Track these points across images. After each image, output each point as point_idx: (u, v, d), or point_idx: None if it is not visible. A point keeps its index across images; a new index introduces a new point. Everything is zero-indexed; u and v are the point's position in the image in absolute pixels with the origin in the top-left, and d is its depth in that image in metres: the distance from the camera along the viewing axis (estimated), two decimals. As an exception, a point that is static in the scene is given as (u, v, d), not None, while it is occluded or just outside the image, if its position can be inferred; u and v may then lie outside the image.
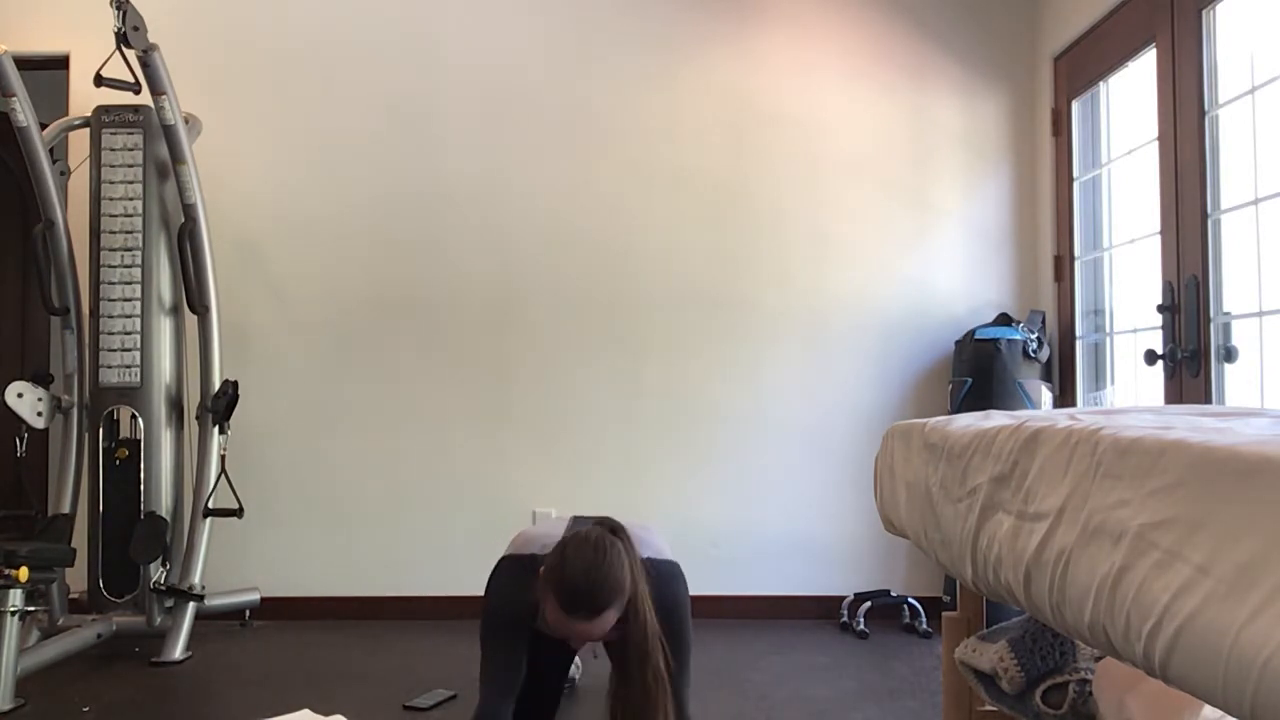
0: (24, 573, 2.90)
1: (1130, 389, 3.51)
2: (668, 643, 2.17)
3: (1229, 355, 2.80)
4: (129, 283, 3.63)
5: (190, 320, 3.74)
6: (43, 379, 3.64)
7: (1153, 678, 1.05)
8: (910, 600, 3.95)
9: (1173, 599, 0.99)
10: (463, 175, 4.13)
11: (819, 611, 4.03)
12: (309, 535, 4.06)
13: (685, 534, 3.91)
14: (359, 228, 4.12)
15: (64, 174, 3.80)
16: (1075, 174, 3.87)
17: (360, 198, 4.12)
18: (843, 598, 4.00)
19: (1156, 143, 3.15)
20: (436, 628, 3.87)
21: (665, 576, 2.23)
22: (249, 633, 3.84)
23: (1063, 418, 1.50)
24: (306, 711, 2.41)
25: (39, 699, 2.98)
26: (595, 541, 2.07)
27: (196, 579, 3.56)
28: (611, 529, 2.15)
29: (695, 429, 4.10)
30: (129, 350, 3.62)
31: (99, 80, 3.56)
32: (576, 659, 2.94)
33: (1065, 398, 3.87)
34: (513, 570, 2.28)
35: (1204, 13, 2.89)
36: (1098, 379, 3.77)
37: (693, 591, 2.34)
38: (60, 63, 4.11)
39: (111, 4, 3.38)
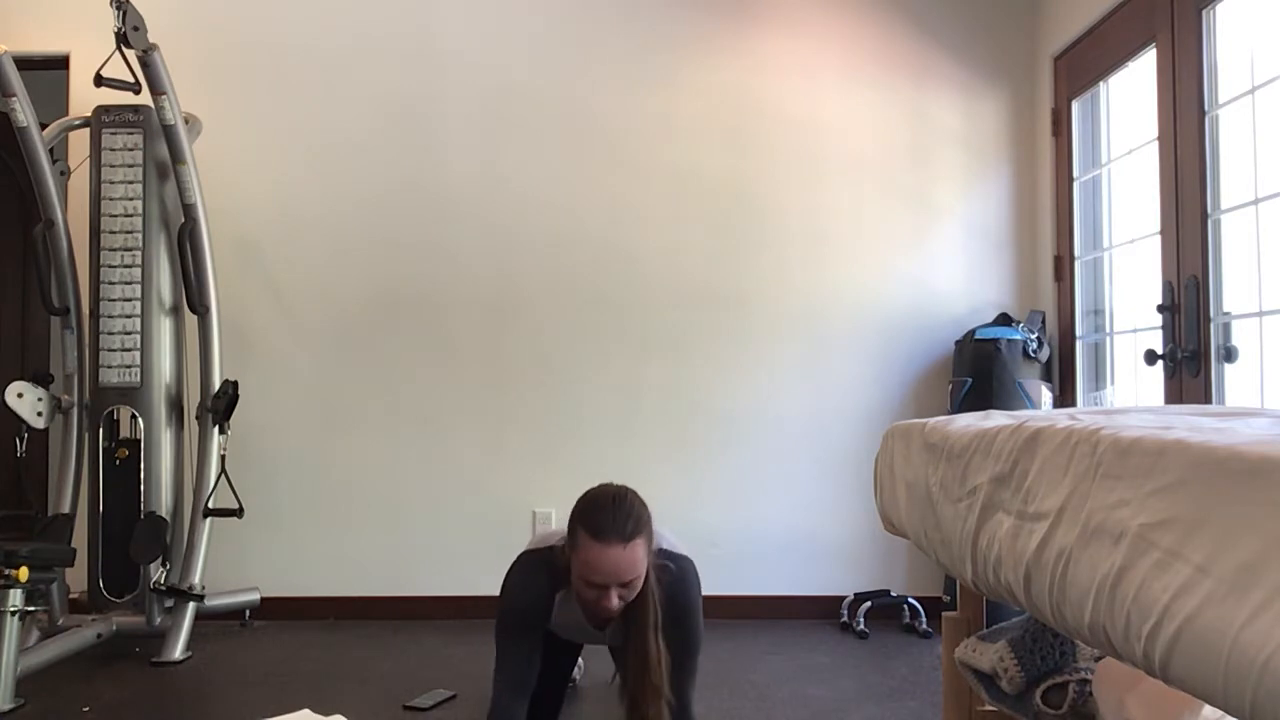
0: (24, 573, 2.90)
1: (1130, 389, 3.50)
2: (679, 640, 2.18)
3: (1229, 355, 2.80)
4: (129, 283, 3.64)
5: (190, 320, 3.74)
6: (43, 379, 3.65)
7: (1153, 678, 1.05)
8: (910, 600, 3.95)
9: (1173, 599, 0.99)
10: (463, 175, 4.13)
11: (819, 611, 4.03)
12: (309, 535, 4.06)
13: (685, 534, 3.87)
14: (359, 228, 4.12)
15: (64, 174, 3.80)
16: (1075, 174, 3.87)
17: (360, 197, 4.12)
18: (843, 598, 4.00)
19: (1156, 143, 3.15)
20: (436, 628, 3.87)
21: (681, 574, 2.24)
22: (249, 633, 3.84)
23: (1063, 418, 1.50)
24: (306, 711, 2.41)
25: (39, 699, 2.98)
26: (613, 487, 2.19)
27: (196, 579, 3.56)
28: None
29: (695, 428, 4.10)
30: (129, 350, 3.62)
31: (99, 80, 3.56)
32: (579, 661, 2.94)
33: (1065, 398, 3.87)
34: (529, 562, 2.30)
35: (1204, 13, 2.89)
36: (1098, 379, 3.76)
37: (692, 591, 2.34)
38: (60, 63, 4.11)
39: (111, 4, 3.38)
